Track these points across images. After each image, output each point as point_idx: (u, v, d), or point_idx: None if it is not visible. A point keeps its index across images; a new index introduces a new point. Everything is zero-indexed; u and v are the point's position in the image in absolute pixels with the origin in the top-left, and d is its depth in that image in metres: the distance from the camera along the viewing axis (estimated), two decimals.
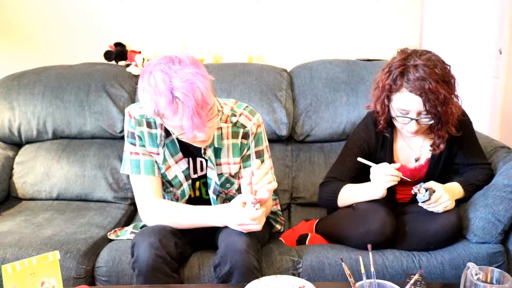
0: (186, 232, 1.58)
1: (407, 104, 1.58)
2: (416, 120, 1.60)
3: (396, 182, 1.58)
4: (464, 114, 1.73)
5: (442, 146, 1.71)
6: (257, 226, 1.42)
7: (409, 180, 1.61)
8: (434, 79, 1.52)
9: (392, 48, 1.70)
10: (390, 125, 1.73)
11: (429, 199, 1.58)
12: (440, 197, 1.59)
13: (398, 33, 2.64)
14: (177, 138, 1.55)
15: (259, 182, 1.40)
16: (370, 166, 1.62)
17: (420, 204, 1.61)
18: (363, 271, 1.20)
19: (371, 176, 1.62)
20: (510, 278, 1.19)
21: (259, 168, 1.41)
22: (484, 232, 1.66)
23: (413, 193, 1.60)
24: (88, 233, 1.82)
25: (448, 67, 1.60)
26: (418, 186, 1.59)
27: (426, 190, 1.58)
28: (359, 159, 1.65)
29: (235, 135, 1.59)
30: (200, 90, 1.31)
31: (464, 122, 1.74)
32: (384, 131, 1.73)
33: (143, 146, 1.56)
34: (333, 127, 2.24)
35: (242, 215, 1.41)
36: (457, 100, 1.64)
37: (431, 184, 1.63)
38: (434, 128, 1.67)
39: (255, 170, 1.41)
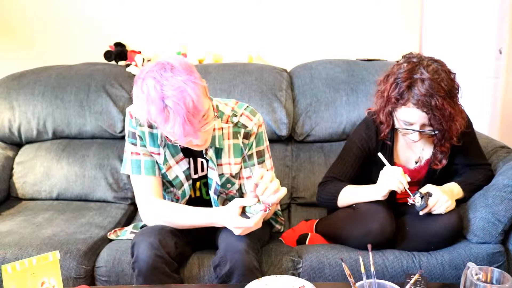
0: (186, 232, 1.58)
1: (412, 118, 1.58)
2: (420, 131, 1.60)
3: (399, 191, 1.58)
4: (467, 126, 1.70)
5: (444, 161, 1.71)
6: (254, 228, 1.42)
7: (410, 193, 1.59)
8: (441, 96, 1.52)
9: (392, 48, 1.69)
10: (391, 127, 1.71)
11: (426, 206, 1.58)
12: (438, 200, 1.59)
13: (398, 33, 2.63)
14: None
15: (265, 192, 1.38)
16: (372, 167, 1.62)
17: (420, 213, 1.61)
18: (363, 271, 1.20)
19: (381, 174, 1.61)
20: (510, 278, 1.19)
21: (262, 178, 1.38)
22: (484, 232, 1.66)
23: (409, 204, 1.60)
24: (88, 233, 1.82)
25: (454, 76, 1.59)
26: (412, 197, 1.59)
27: (422, 198, 1.58)
28: (379, 154, 1.64)
29: (236, 135, 1.59)
30: (191, 98, 1.30)
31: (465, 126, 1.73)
32: (386, 140, 1.73)
33: (144, 146, 1.56)
34: (333, 127, 2.24)
35: (240, 222, 1.41)
36: (461, 109, 1.63)
37: (428, 187, 1.64)
38: (438, 143, 1.67)
39: (259, 181, 1.38)
